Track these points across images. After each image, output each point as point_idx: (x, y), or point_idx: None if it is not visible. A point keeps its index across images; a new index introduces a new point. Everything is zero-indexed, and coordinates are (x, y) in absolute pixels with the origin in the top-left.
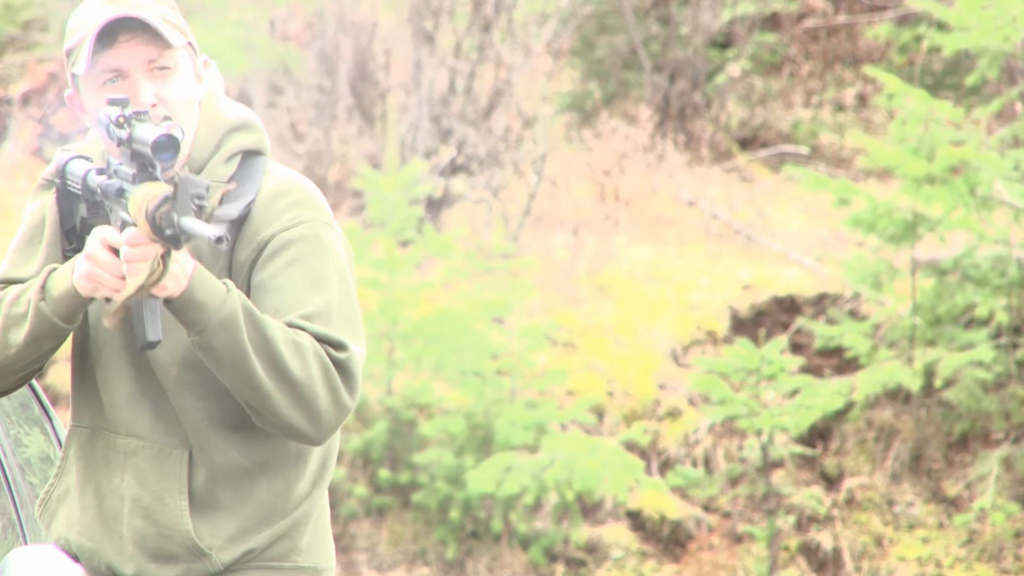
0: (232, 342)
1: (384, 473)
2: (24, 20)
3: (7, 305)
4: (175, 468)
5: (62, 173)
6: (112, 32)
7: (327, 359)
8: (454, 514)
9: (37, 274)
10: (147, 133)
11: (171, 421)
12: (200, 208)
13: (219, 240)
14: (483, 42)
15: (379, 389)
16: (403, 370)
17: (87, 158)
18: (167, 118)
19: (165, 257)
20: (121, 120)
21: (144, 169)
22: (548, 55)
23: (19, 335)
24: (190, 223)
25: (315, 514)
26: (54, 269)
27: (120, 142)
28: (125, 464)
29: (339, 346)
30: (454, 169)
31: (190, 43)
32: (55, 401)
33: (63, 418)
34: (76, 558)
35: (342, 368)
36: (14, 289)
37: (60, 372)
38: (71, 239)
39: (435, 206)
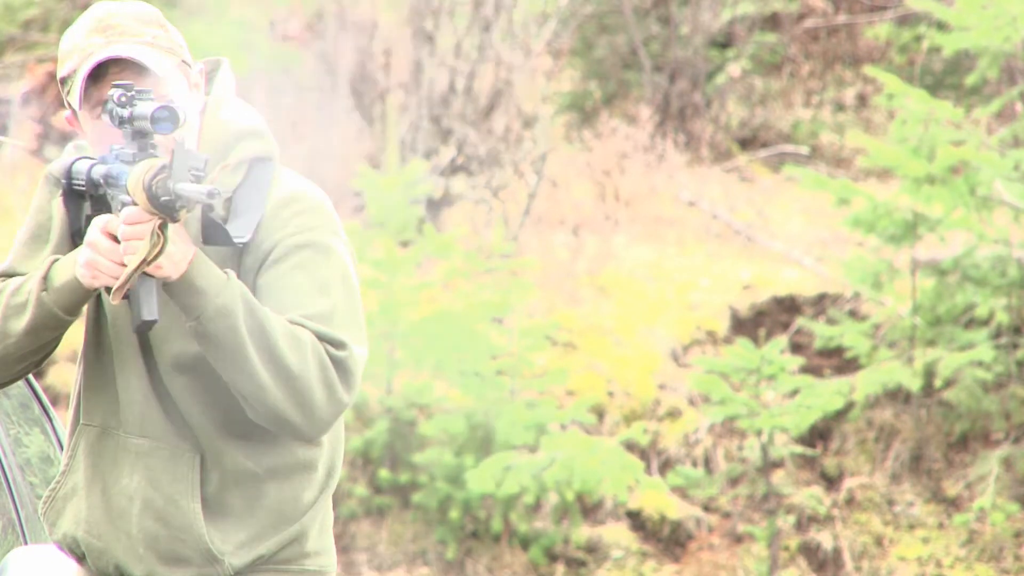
0: (229, 330)
1: (384, 473)
2: (24, 20)
3: (8, 295)
4: (187, 471)
5: (68, 173)
6: (103, 66)
7: (325, 356)
8: (454, 514)
9: None
10: (147, 108)
11: (183, 424)
12: (197, 179)
13: (211, 195)
14: (483, 42)
15: (379, 389)
16: (403, 370)
17: (92, 158)
18: (171, 102)
19: (163, 228)
20: (123, 99)
21: (144, 149)
22: (548, 55)
23: (19, 324)
24: (185, 188)
25: (320, 518)
26: (56, 259)
27: (122, 121)
28: (136, 464)
29: (339, 344)
30: (454, 169)
31: (184, 60)
32: (55, 401)
33: (63, 418)
34: (82, 557)
35: (340, 365)
36: (15, 280)
37: (60, 372)
38: (77, 242)
39: (435, 206)
